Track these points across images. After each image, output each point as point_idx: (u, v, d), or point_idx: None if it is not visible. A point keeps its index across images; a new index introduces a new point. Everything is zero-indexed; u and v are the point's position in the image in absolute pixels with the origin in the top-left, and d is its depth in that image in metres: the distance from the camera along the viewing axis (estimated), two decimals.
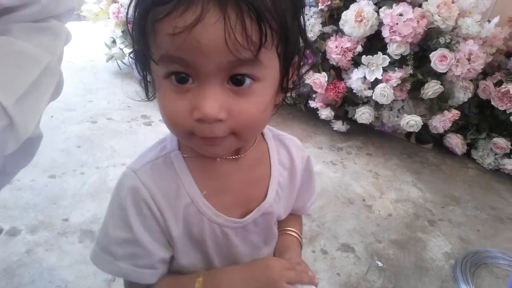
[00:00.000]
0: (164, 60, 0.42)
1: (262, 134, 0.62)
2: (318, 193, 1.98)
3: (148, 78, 0.50)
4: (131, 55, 0.49)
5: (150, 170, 0.54)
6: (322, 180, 2.12)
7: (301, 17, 0.47)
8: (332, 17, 2.40)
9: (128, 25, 0.46)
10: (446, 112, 2.32)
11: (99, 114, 2.47)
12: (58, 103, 2.39)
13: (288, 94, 0.54)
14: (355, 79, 2.28)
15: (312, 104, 2.54)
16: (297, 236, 0.70)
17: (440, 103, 2.33)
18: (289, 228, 0.70)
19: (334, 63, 2.35)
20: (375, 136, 2.72)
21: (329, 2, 2.29)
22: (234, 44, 0.38)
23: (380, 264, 1.59)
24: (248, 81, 0.43)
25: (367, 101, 2.45)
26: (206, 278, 0.55)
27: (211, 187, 0.56)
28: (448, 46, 2.13)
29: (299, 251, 0.69)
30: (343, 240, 1.69)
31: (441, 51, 2.11)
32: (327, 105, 2.54)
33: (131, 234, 0.52)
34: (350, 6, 2.22)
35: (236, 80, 0.42)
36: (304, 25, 0.48)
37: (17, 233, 1.42)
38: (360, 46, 2.27)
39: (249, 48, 0.39)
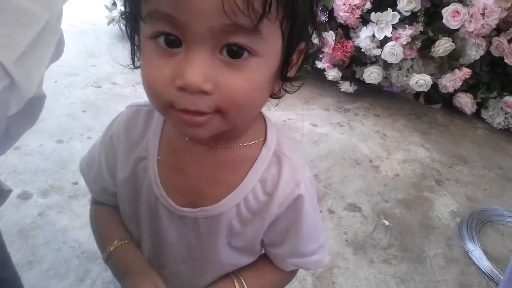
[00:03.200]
0: (151, 17, 0.37)
1: (264, 142, 0.51)
2: (325, 155, 1.98)
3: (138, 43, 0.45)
4: (122, 16, 0.44)
5: (132, 112, 0.56)
6: (329, 141, 2.11)
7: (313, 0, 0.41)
8: None
9: None
10: (456, 70, 2.26)
11: (103, 79, 2.45)
12: (61, 68, 2.37)
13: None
14: (364, 38, 2.21)
15: (319, 64, 2.48)
16: (237, 283, 0.55)
17: (451, 61, 2.27)
18: (238, 273, 0.56)
19: (342, 21, 2.27)
20: (383, 97, 2.68)
21: None
22: (232, 6, 0.33)
23: (386, 222, 1.61)
24: (245, 53, 0.37)
25: (375, 60, 2.39)
26: (121, 249, 0.56)
27: (170, 159, 0.52)
28: (461, 0, 2.04)
29: None
30: (350, 200, 1.70)
31: (454, 6, 2.02)
32: (335, 65, 2.48)
33: (98, 153, 0.59)
34: None
35: (233, 52, 0.37)
36: (316, 8, 0.42)
37: (28, 197, 1.44)
38: (369, 3, 2.18)
39: (249, 15, 0.34)
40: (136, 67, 0.47)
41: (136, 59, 0.47)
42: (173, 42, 0.37)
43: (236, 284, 0.55)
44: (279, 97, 0.48)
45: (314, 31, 0.44)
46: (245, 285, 0.55)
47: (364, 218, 1.62)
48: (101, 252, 0.58)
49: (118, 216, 0.60)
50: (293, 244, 0.55)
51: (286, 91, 0.48)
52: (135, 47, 0.45)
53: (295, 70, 0.46)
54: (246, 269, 0.57)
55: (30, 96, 0.56)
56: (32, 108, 0.61)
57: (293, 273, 0.61)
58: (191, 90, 0.36)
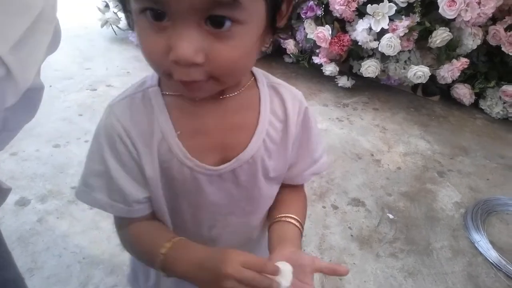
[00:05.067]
0: None
1: (255, 80, 0.56)
2: (326, 150, 1.96)
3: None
4: None
5: (126, 105, 0.52)
6: (329, 137, 2.10)
7: None
8: None
9: None
10: (454, 61, 2.24)
11: (98, 82, 2.42)
12: (56, 72, 2.34)
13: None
14: (360, 31, 2.19)
15: (316, 60, 2.46)
16: (298, 225, 0.58)
17: (448, 51, 2.25)
18: (289, 215, 0.59)
19: (338, 15, 2.25)
20: (381, 91, 2.66)
21: None
22: None
23: (391, 216, 1.59)
24: (228, 23, 0.39)
25: (372, 54, 2.38)
26: (174, 246, 0.51)
27: (188, 128, 0.52)
28: None
29: (299, 244, 0.57)
30: (353, 195, 1.68)
31: None
32: (332, 60, 2.46)
33: (105, 168, 0.51)
34: None
35: (215, 21, 0.38)
36: None
37: (27, 203, 1.41)
38: None
39: None
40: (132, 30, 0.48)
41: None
42: (160, 15, 0.39)
43: (296, 224, 0.58)
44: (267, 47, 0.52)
45: None
46: (299, 219, 0.59)
47: (368, 212, 1.60)
48: (153, 264, 0.53)
49: (157, 223, 0.57)
50: (309, 153, 0.62)
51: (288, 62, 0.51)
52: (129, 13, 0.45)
53: (285, 20, 0.47)
54: (284, 207, 0.61)
55: (27, 87, 0.54)
56: (30, 99, 0.59)
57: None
58: (183, 64, 0.39)
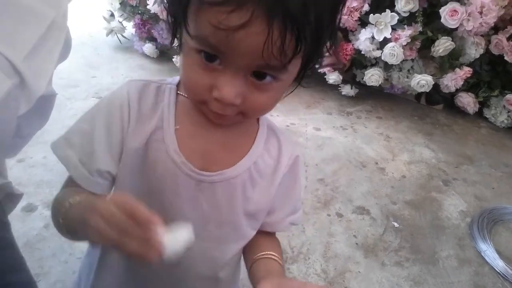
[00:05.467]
0: (199, 40, 0.42)
1: (258, 118, 0.59)
2: (330, 158, 1.97)
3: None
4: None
5: (142, 86, 0.55)
6: (333, 145, 2.10)
7: (337, 22, 0.45)
8: None
9: None
10: (457, 70, 2.26)
11: (103, 90, 2.44)
12: (62, 80, 2.36)
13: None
14: (363, 40, 2.21)
15: (319, 68, 2.47)
16: (281, 262, 0.58)
17: (451, 60, 2.27)
18: (270, 253, 0.58)
19: (341, 24, 2.26)
20: (384, 99, 2.67)
21: None
22: (269, 55, 0.40)
23: (396, 224, 1.59)
24: (269, 78, 0.44)
25: (375, 62, 2.39)
26: (83, 199, 0.47)
27: (187, 127, 0.54)
28: (458, 0, 2.04)
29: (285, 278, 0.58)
30: (358, 203, 1.68)
31: (451, 5, 2.03)
32: (335, 69, 2.48)
33: (90, 128, 0.52)
34: None
35: (259, 75, 0.44)
36: (338, 28, 0.47)
37: (34, 209, 1.42)
38: (367, 5, 2.19)
39: (280, 60, 0.41)
40: (171, 46, 0.53)
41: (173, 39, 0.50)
42: (213, 58, 0.43)
43: (280, 262, 0.58)
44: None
45: (332, 46, 0.49)
46: (280, 259, 0.59)
47: (373, 220, 1.60)
48: (58, 215, 0.49)
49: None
50: (292, 201, 0.63)
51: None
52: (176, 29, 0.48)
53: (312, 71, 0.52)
54: (264, 247, 0.60)
55: (40, 94, 0.55)
56: (42, 106, 0.60)
57: None
58: (224, 103, 0.44)
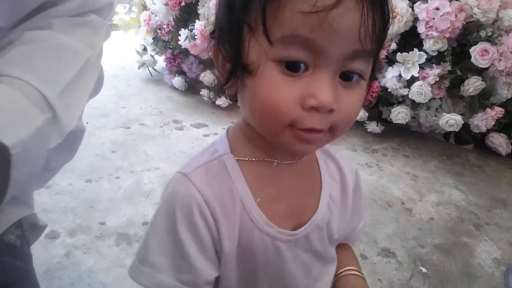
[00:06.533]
0: (285, 41, 0.39)
1: None
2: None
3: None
4: (213, 34, 0.46)
5: (204, 173, 0.48)
6: None
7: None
8: None
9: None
10: (488, 109, 2.19)
11: (132, 120, 2.51)
12: (93, 110, 2.45)
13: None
14: (390, 78, 2.20)
15: None
16: (362, 276, 0.61)
17: (482, 100, 2.21)
18: (352, 268, 0.61)
19: None
20: (411, 137, 2.62)
21: None
22: (365, 33, 0.38)
23: (424, 270, 1.50)
24: (355, 77, 0.43)
25: (402, 100, 2.37)
26: None
27: (265, 194, 0.50)
28: (489, 39, 2.02)
29: None
30: (383, 245, 1.61)
31: (482, 45, 2.01)
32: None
33: (177, 245, 0.46)
34: None
35: (346, 76, 0.42)
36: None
37: (56, 236, 1.44)
38: (395, 44, 2.19)
39: (375, 41, 0.40)
40: (232, 100, 0.50)
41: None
42: (296, 67, 0.40)
43: (362, 276, 0.61)
44: None
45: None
46: (361, 271, 0.62)
47: (399, 264, 1.52)
48: None
49: None
50: (360, 211, 0.63)
51: None
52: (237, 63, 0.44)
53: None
54: (343, 262, 0.62)
55: (70, 129, 0.56)
56: (71, 141, 0.61)
57: None
58: (323, 109, 0.40)
